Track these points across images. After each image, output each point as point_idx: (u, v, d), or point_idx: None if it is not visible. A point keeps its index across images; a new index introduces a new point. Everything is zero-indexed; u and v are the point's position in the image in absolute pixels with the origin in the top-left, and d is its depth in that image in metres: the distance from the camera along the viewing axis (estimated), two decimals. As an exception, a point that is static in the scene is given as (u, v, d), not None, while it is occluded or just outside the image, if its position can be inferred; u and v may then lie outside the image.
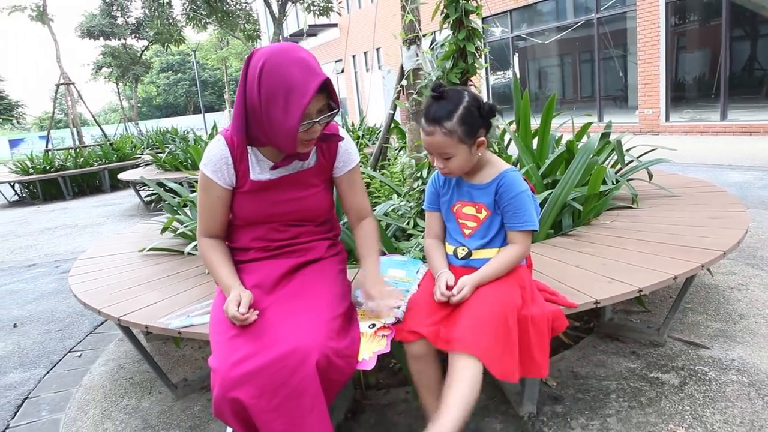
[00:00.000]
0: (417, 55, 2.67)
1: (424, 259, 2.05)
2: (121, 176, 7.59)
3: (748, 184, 5.27)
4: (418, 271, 1.88)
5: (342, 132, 1.71)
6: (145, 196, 7.92)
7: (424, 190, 2.30)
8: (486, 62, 2.49)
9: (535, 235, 2.29)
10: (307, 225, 1.71)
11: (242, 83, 1.47)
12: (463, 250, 1.61)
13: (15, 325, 3.45)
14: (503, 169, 1.57)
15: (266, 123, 1.46)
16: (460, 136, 1.44)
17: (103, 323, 3.32)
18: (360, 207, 1.78)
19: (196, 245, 2.61)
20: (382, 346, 1.48)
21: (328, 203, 1.76)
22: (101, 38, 26.64)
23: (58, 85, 11.82)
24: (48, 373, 2.73)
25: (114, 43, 27.29)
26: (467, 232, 1.60)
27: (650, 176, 2.97)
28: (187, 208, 3.08)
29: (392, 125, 3.35)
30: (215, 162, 1.59)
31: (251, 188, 1.62)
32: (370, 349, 1.47)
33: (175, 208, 3.03)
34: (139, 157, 10.32)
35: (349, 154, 1.72)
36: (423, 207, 1.72)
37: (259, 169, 1.63)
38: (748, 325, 2.43)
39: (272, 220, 1.66)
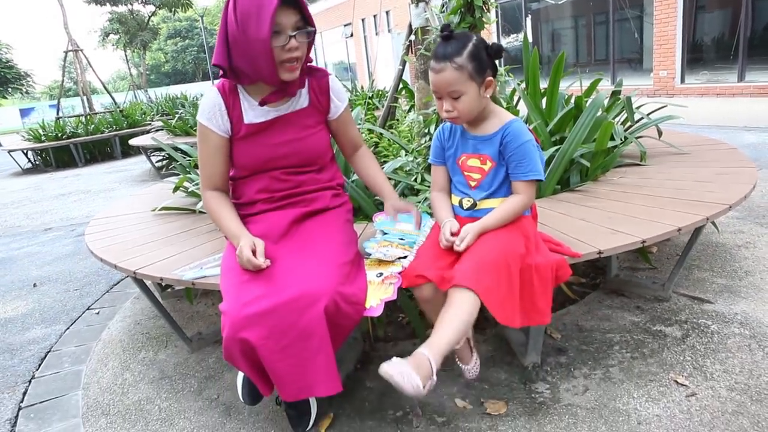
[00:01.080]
0: (425, 12, 2.65)
1: (431, 214, 2.08)
2: (132, 142, 7.64)
3: (763, 146, 5.20)
4: (425, 225, 1.91)
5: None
6: (156, 162, 7.98)
7: (431, 146, 2.32)
8: (495, 18, 2.45)
9: (541, 190, 2.31)
10: (309, 172, 1.74)
11: (223, 16, 1.56)
12: (468, 200, 1.63)
13: (35, 285, 3.55)
14: (508, 119, 1.58)
15: (244, 45, 1.51)
16: (471, 72, 1.45)
17: (119, 282, 3.42)
18: (355, 139, 1.92)
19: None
20: (389, 293, 1.52)
21: (326, 144, 1.80)
22: (108, 4, 26.35)
23: (66, 52, 11.78)
24: (68, 329, 2.83)
25: (121, 9, 27.00)
26: (473, 183, 1.63)
27: (660, 133, 2.95)
28: (198, 168, 3.12)
29: (401, 85, 3.33)
30: (209, 110, 1.64)
31: (247, 132, 1.66)
32: (378, 296, 1.52)
33: (186, 167, 3.07)
34: (149, 124, 10.35)
35: (340, 92, 1.80)
36: (429, 161, 1.74)
37: (253, 114, 1.67)
38: (754, 281, 2.45)
39: (272, 166, 1.69)
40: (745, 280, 2.47)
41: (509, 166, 1.57)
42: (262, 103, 1.64)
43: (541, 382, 1.89)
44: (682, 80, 9.58)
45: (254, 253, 1.52)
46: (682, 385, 1.79)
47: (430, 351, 1.32)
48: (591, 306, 2.38)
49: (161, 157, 8.09)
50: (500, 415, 1.74)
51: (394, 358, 1.27)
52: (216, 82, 1.69)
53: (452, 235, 1.54)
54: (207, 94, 1.68)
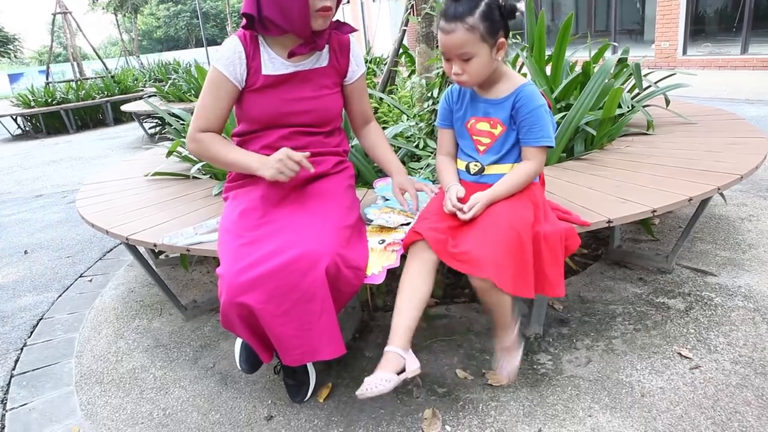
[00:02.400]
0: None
1: (434, 180, 2.02)
2: (125, 107, 7.48)
3: (765, 118, 5.13)
4: (427, 191, 1.85)
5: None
6: (149, 128, 7.84)
7: (434, 111, 2.24)
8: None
9: (546, 158, 2.25)
10: (317, 134, 1.67)
11: None
12: (475, 165, 1.57)
13: (26, 252, 3.49)
14: (520, 83, 1.50)
15: None
16: (482, 33, 1.37)
17: (112, 250, 3.36)
18: (366, 112, 1.84)
19: (200, 168, 2.58)
20: (392, 260, 1.47)
21: (339, 107, 1.73)
22: (97, -35, 25.61)
23: (54, 15, 11.45)
24: (60, 296, 2.78)
25: (111, -30, 26.25)
26: (481, 148, 1.56)
27: (667, 102, 2.87)
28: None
29: (401, 50, 3.22)
30: (229, 56, 1.56)
31: (264, 84, 1.58)
32: (379, 263, 1.47)
33: (180, 132, 2.97)
34: (142, 90, 10.14)
35: (359, 59, 1.74)
36: (435, 124, 1.66)
37: (272, 66, 1.59)
38: (757, 254, 2.42)
39: (283, 122, 1.62)
40: (748, 253, 2.44)
41: (520, 131, 1.50)
42: (290, 55, 1.57)
43: (543, 353, 1.86)
44: (684, 52, 9.44)
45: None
46: (686, 357, 1.77)
47: (507, 340, 1.57)
48: (593, 277, 2.35)
49: (154, 124, 7.95)
50: (502, 386, 1.71)
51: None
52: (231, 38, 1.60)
53: (458, 200, 1.48)
54: (227, 41, 1.59)
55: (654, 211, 1.62)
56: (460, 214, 1.46)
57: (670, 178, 1.89)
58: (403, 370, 1.39)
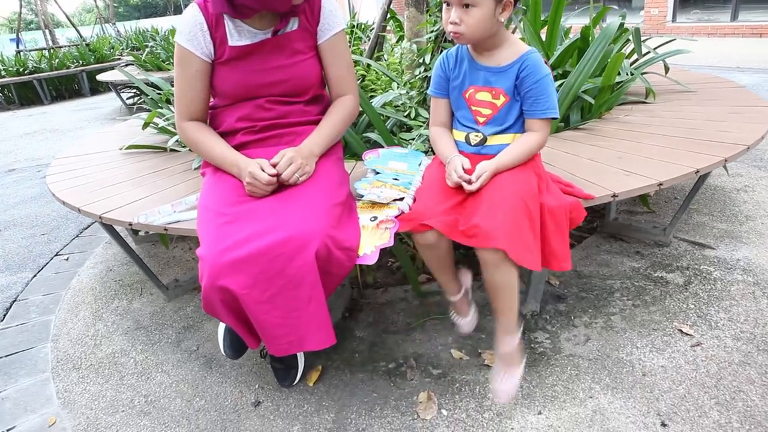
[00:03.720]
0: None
1: (426, 152, 1.91)
2: (101, 77, 7.18)
3: (756, 87, 5.07)
4: (420, 164, 1.74)
5: None
6: (127, 98, 7.57)
7: (426, 78, 2.12)
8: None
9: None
10: (296, 103, 1.55)
11: None
12: (476, 136, 1.46)
13: (-2, 229, 3.34)
14: (524, 50, 1.38)
15: None
16: None
17: (89, 226, 3.22)
18: (344, 81, 1.61)
19: (178, 139, 2.45)
20: (385, 239, 1.38)
21: (316, 73, 1.59)
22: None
23: (23, -21, 10.92)
24: (35, 276, 2.66)
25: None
26: (482, 120, 1.45)
27: (666, 69, 2.78)
28: (171, 103, 2.88)
29: (388, 15, 3.07)
30: (189, 29, 1.43)
31: (231, 56, 1.46)
32: (372, 242, 1.37)
33: (157, 102, 2.82)
34: (119, 59, 9.77)
35: (333, 15, 1.56)
36: (428, 92, 1.55)
37: (238, 36, 1.46)
38: (754, 226, 2.37)
39: (257, 94, 1.50)
40: (745, 225, 2.39)
41: (525, 103, 1.39)
42: (274, 33, 1.46)
43: (541, 332, 1.80)
44: (674, 19, 9.30)
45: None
46: (687, 334, 1.72)
47: (509, 344, 1.44)
48: (589, 251, 2.29)
49: (132, 94, 7.67)
50: (499, 367, 1.65)
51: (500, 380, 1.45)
52: None
53: (465, 171, 1.38)
54: (186, 13, 1.45)
55: (660, 184, 1.54)
56: (466, 186, 1.37)
57: (674, 149, 1.80)
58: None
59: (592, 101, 2.23)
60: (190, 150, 2.47)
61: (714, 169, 1.69)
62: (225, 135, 1.57)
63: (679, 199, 2.72)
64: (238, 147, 1.53)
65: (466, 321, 1.67)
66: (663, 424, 1.39)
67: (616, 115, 2.30)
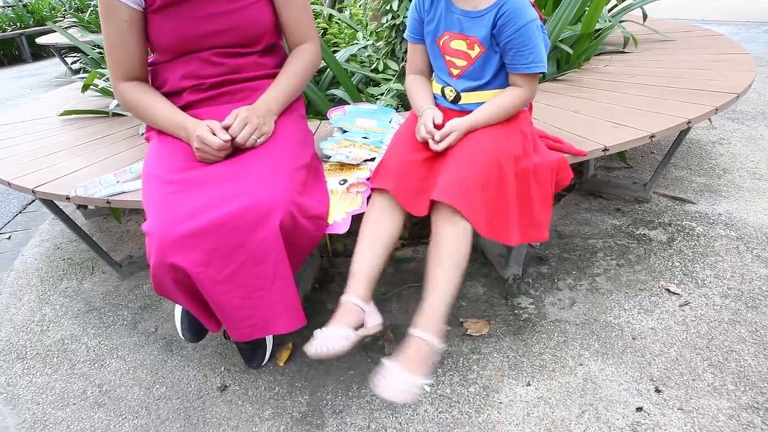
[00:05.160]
0: None
1: (398, 107, 1.76)
2: (40, 40, 6.67)
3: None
4: (391, 121, 1.59)
5: None
6: (72, 63, 7.07)
7: (394, 26, 1.94)
8: None
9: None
10: (249, 55, 1.36)
11: None
12: (451, 91, 1.31)
13: (-69, 207, 3.04)
14: None
15: None
16: None
17: (33, 201, 2.97)
18: (298, 26, 1.41)
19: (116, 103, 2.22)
20: (357, 204, 1.23)
21: (268, 19, 1.37)
22: None
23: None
24: (-27, 257, 2.43)
25: None
26: (455, 72, 1.29)
27: (645, 16, 2.66)
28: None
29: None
30: None
31: (163, 3, 1.25)
32: (342, 208, 1.22)
33: (97, 61, 2.55)
34: (61, 20, 9.11)
35: None
36: (406, 36, 1.37)
37: None
38: (733, 179, 2.32)
39: (201, 46, 1.30)
40: (723, 178, 2.33)
41: (506, 55, 1.23)
42: None
43: (524, 296, 1.71)
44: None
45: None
46: (674, 293, 1.65)
47: (429, 330, 1.09)
48: (568, 209, 2.20)
49: (77, 58, 7.16)
50: (482, 336, 1.56)
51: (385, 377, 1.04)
52: None
53: (435, 127, 1.23)
54: None
55: (652, 136, 1.43)
56: (432, 144, 1.22)
57: (662, 100, 1.70)
58: (362, 325, 1.16)
59: (570, 51, 2.10)
60: (137, 114, 2.24)
61: (706, 118, 1.59)
62: (169, 96, 1.37)
63: (656, 153, 2.65)
64: (186, 108, 1.34)
65: (329, 338, 1.09)
66: (657, 390, 1.32)
67: (596, 66, 2.18)
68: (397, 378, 1.02)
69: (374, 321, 1.19)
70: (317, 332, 1.10)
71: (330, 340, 1.08)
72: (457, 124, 1.23)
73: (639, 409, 1.28)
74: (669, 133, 1.46)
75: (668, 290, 1.67)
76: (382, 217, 1.24)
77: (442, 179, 1.15)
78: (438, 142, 1.23)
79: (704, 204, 2.14)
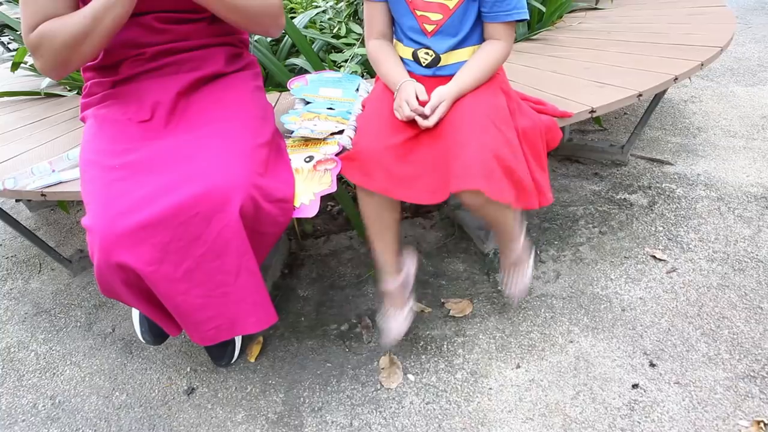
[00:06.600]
0: None
1: (364, 74, 1.62)
2: (-28, 19, 6.17)
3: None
4: (357, 89, 1.46)
5: None
6: (8, 43, 6.60)
7: (357, -15, 1.78)
8: None
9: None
10: (196, 21, 1.18)
11: None
12: (427, 54, 1.17)
13: None
14: None
15: None
16: None
17: (-29, 194, 2.72)
18: None
19: (53, 81, 2.01)
20: (326, 184, 1.11)
21: None
22: None
23: None
24: None
25: None
26: (430, 28, 1.15)
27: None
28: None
29: None
30: None
31: None
32: (310, 189, 1.10)
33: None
34: (-6, -3, 8.48)
35: None
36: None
37: None
38: (708, 138, 2.27)
39: (140, 9, 1.08)
40: (699, 137, 2.29)
41: (484, 3, 1.11)
42: None
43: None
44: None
45: None
46: (660, 260, 1.60)
47: (515, 251, 1.34)
48: (546, 177, 2.11)
49: (13, 37, 6.69)
50: (466, 317, 1.47)
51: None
52: None
53: (420, 103, 1.10)
54: None
55: (640, 94, 1.34)
56: (421, 121, 1.10)
57: (644, 56, 1.61)
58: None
59: (543, 8, 1.98)
60: (77, 93, 2.03)
61: (692, 74, 1.51)
62: (105, 69, 1.20)
63: (630, 114, 2.58)
64: (125, 82, 1.18)
65: (397, 320, 1.31)
66: (651, 364, 1.26)
67: (570, 23, 2.08)
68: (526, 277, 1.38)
69: (412, 264, 1.37)
70: (387, 325, 1.31)
71: (400, 324, 1.29)
72: (446, 92, 1.10)
73: (635, 386, 1.22)
74: (657, 90, 1.37)
75: (654, 257, 1.61)
76: (383, 213, 1.21)
77: (456, 164, 1.04)
78: (426, 118, 1.10)
79: (682, 165, 2.09)
